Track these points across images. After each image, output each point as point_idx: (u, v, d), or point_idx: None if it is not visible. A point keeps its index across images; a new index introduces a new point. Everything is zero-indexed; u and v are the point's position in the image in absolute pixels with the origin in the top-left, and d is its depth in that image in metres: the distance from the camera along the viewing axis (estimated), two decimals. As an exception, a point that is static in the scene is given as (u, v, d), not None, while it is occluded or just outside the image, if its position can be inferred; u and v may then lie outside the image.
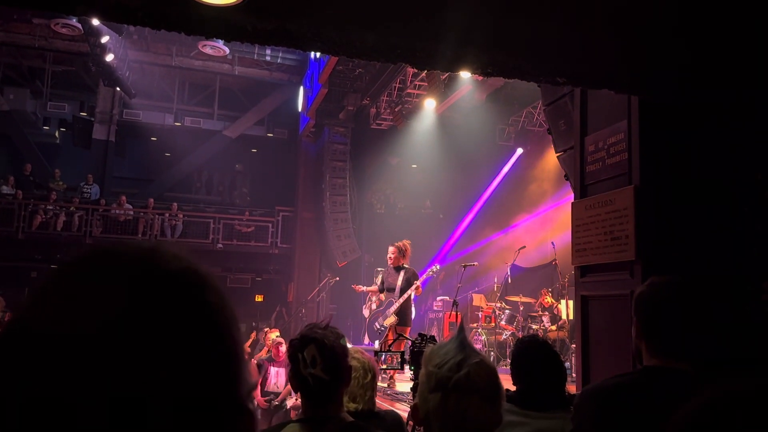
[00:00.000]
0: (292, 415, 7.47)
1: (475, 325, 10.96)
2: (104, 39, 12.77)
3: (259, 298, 16.97)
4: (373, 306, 11.58)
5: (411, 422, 3.28)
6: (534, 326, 10.15)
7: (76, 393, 0.47)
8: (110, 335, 0.48)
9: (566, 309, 9.79)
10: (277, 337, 9.36)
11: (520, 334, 9.92)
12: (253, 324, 14.85)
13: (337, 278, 13.95)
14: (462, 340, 1.32)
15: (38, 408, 0.47)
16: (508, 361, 6.98)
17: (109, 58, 13.27)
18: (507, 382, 1.50)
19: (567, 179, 5.34)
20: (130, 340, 0.48)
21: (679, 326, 1.66)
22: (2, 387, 0.48)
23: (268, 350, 9.26)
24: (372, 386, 2.63)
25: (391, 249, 8.10)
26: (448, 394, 1.25)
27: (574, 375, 5.91)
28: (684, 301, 1.69)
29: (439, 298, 13.37)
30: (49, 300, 0.51)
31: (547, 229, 13.19)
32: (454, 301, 9.55)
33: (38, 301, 0.52)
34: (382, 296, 10.52)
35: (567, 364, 7.56)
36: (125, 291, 0.51)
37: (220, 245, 15.80)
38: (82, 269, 0.54)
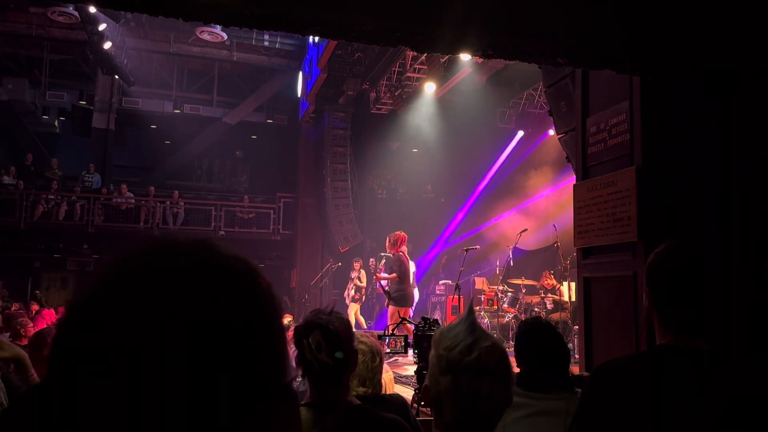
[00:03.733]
0: None
1: (477, 308, 10.99)
2: (101, 27, 12.69)
3: (261, 285, 17.00)
4: (352, 293, 11.87)
5: (416, 405, 3.30)
6: (536, 308, 10.18)
7: (136, 386, 0.49)
8: (170, 326, 0.51)
9: (568, 291, 9.82)
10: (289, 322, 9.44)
11: (522, 317, 9.96)
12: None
13: (340, 263, 13.99)
14: (472, 322, 1.32)
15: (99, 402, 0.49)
16: (511, 343, 7.04)
17: (107, 45, 13.20)
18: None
19: (568, 161, 5.33)
20: (189, 332, 0.51)
21: (694, 298, 1.58)
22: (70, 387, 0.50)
23: None
24: (380, 369, 2.64)
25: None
26: (460, 376, 1.25)
27: (576, 356, 5.94)
28: (698, 271, 1.60)
29: (441, 282, 13.41)
30: (111, 295, 0.53)
31: (548, 211, 13.18)
32: (457, 284, 9.60)
33: (99, 295, 0.54)
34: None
35: (570, 345, 7.59)
36: (183, 283, 0.53)
37: (222, 232, 15.81)
38: (142, 262, 0.56)
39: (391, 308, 8.51)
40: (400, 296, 8.53)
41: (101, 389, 0.49)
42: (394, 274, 8.63)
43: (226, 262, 0.58)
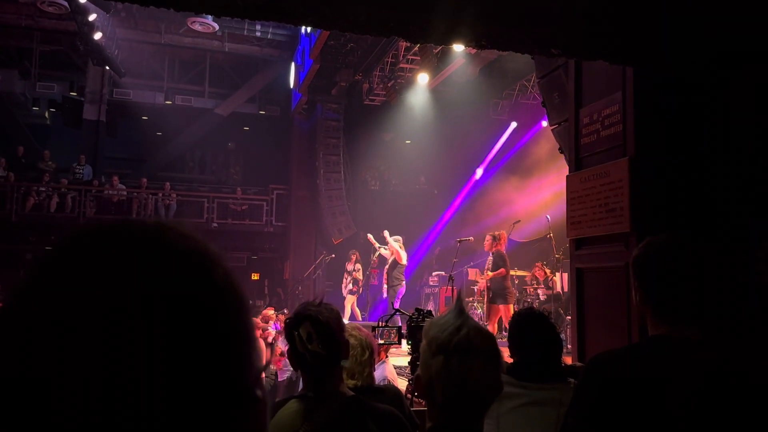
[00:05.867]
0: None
1: (470, 299, 11.03)
2: (92, 17, 12.56)
3: (255, 277, 17.01)
4: (350, 286, 12.02)
5: (410, 395, 3.30)
6: (529, 299, 10.23)
7: (78, 386, 0.44)
8: (113, 323, 0.45)
9: (561, 281, 9.86)
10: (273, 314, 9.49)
11: (516, 308, 9.99)
12: (250, 302, 14.88)
13: (333, 255, 14.00)
14: (460, 309, 1.34)
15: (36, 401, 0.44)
16: (505, 334, 7.08)
17: (98, 36, 13.07)
18: (504, 355, 1.51)
19: (561, 152, 5.33)
20: (135, 329, 0.45)
21: (684, 287, 1.61)
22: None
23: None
24: (370, 363, 2.65)
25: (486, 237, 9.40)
26: (450, 356, 1.27)
27: (569, 346, 5.97)
28: (686, 260, 1.63)
29: (434, 273, 13.45)
30: (48, 287, 0.48)
31: (541, 202, 13.21)
32: (450, 276, 9.66)
33: (35, 287, 0.48)
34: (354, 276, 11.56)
35: (562, 335, 7.62)
36: (130, 275, 0.47)
37: (215, 224, 15.77)
38: (84, 250, 0.50)
39: (502, 307, 8.73)
40: (509, 293, 8.89)
41: (38, 390, 0.44)
42: (502, 269, 8.87)
43: (181, 247, 0.51)
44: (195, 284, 0.49)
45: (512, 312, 8.12)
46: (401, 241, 10.81)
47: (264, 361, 7.63)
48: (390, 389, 2.83)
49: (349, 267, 12.18)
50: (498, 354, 1.33)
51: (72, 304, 0.46)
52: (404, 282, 10.91)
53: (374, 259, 12.26)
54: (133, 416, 0.44)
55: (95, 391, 0.44)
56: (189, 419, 0.46)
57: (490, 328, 8.39)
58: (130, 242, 0.50)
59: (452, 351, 1.27)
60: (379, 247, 11.54)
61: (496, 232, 9.32)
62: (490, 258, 9.14)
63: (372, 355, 2.66)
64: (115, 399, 0.44)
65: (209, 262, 0.52)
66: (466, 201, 16.09)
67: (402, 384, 5.10)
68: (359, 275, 12.05)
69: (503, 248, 9.14)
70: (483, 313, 10.54)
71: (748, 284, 3.69)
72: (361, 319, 11.99)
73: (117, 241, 0.50)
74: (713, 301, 1.63)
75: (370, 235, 11.76)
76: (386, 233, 10.94)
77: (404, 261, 10.73)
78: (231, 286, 0.52)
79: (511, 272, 11.17)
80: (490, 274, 8.97)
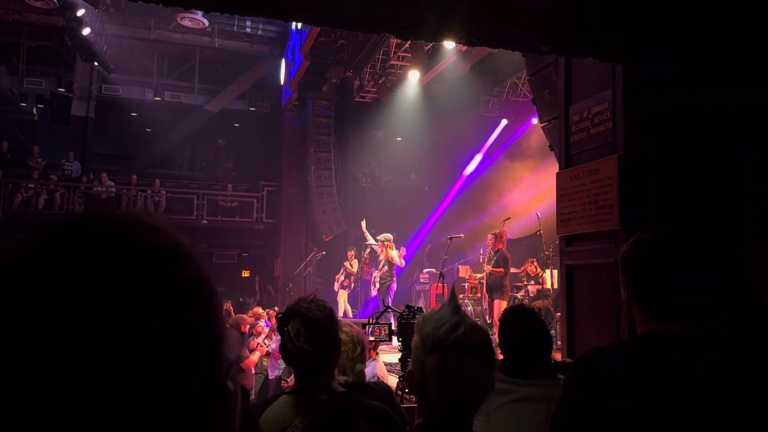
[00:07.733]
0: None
1: (461, 296, 11.05)
2: (80, 12, 12.44)
3: (245, 274, 16.96)
4: (342, 278, 12.11)
5: (400, 392, 3.31)
6: (519, 296, 10.27)
7: (47, 382, 0.43)
8: (79, 319, 0.44)
9: (551, 278, 9.90)
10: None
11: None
12: (240, 299, 14.89)
13: (324, 252, 13.98)
14: (455, 305, 1.33)
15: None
16: (495, 330, 7.11)
17: (86, 32, 12.95)
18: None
19: (552, 149, 5.35)
20: (102, 324, 0.44)
21: (672, 284, 1.62)
22: None
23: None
24: (360, 359, 2.65)
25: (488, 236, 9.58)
26: (447, 354, 1.25)
27: (559, 343, 5.99)
28: (674, 256, 1.64)
29: (425, 271, 13.46)
30: (14, 283, 0.47)
31: (531, 199, 13.25)
32: (441, 273, 9.67)
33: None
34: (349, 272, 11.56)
35: (552, 332, 7.65)
36: (96, 268, 0.46)
37: (204, 221, 15.70)
38: (49, 243, 0.49)
39: (497, 302, 9.02)
40: (505, 290, 9.13)
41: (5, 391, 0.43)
42: (501, 269, 9.06)
43: (151, 240, 0.50)
44: (165, 279, 0.49)
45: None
46: (391, 239, 10.80)
47: (240, 352, 7.59)
48: (380, 386, 2.83)
49: (346, 264, 12.28)
50: (493, 353, 1.32)
51: (35, 300, 0.45)
52: (395, 278, 10.92)
53: (366, 255, 12.27)
54: (102, 414, 0.43)
55: (63, 391, 0.43)
56: (159, 415, 0.46)
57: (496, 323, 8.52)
58: (98, 236, 0.49)
59: (449, 349, 1.25)
60: (371, 243, 11.55)
61: (497, 231, 9.46)
62: (494, 257, 9.34)
63: (363, 351, 2.67)
64: (81, 397, 0.43)
65: (180, 255, 0.51)
66: (456, 198, 16.12)
67: (392, 381, 5.11)
68: (353, 269, 12.12)
69: (504, 245, 9.31)
70: (473, 310, 10.58)
71: (738, 282, 3.72)
72: (351, 316, 11.98)
73: (85, 235, 0.49)
74: (701, 298, 1.64)
75: (363, 223, 11.70)
76: (385, 240, 10.90)
77: (400, 262, 10.79)
78: (202, 280, 0.52)
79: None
80: (490, 268, 9.14)
